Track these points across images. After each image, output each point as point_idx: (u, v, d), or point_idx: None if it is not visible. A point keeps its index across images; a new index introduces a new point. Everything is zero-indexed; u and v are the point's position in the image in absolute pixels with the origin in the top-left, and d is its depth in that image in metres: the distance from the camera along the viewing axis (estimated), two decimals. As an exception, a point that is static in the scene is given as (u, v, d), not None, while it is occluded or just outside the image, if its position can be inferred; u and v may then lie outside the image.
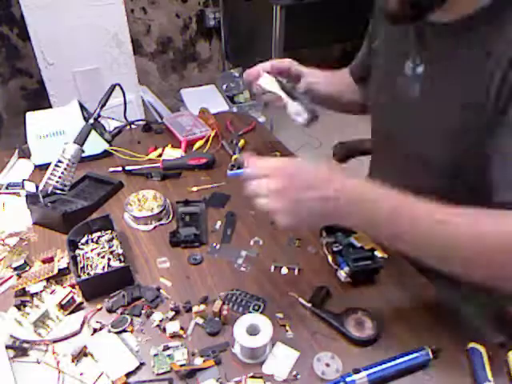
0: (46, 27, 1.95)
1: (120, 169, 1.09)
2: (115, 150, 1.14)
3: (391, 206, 0.60)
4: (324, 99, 1.08)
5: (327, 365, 0.66)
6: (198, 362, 0.66)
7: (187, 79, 3.15)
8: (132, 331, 0.72)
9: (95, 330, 0.72)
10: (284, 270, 0.82)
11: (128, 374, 0.66)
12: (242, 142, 1.19)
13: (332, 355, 0.67)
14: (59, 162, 0.98)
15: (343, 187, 0.61)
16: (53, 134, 1.10)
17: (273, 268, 0.83)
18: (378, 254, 0.77)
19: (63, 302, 0.74)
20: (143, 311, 0.75)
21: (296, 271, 0.82)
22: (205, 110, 1.34)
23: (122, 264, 0.80)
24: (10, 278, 0.82)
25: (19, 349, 0.69)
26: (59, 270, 0.80)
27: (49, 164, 0.99)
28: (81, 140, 1.02)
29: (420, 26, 0.76)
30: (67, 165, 0.98)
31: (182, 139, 1.20)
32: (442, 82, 0.75)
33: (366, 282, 0.79)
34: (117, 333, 0.71)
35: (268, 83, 0.94)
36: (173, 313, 0.74)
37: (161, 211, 0.94)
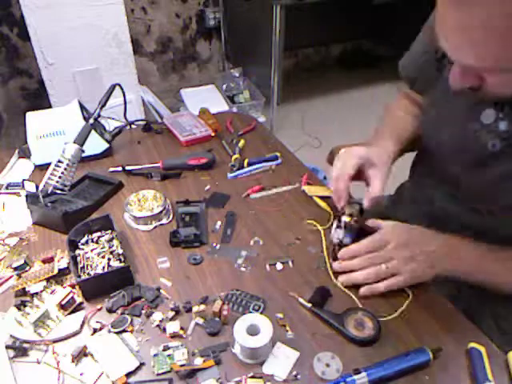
0: (46, 27, 1.95)
1: (120, 169, 1.09)
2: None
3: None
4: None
5: (327, 365, 0.66)
6: (198, 361, 0.66)
7: (187, 79, 3.15)
8: (132, 331, 0.72)
9: (95, 330, 0.72)
10: (279, 266, 0.83)
11: (128, 374, 0.66)
12: (242, 142, 1.19)
13: (332, 355, 0.67)
14: (59, 161, 0.98)
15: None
16: (53, 134, 1.10)
17: (268, 267, 0.83)
18: None
19: (63, 302, 0.74)
20: (143, 311, 0.75)
21: (290, 263, 0.82)
22: (205, 109, 1.34)
23: (122, 264, 0.80)
24: (10, 277, 0.82)
25: (19, 349, 0.69)
26: (59, 269, 0.80)
27: (49, 164, 0.99)
28: (81, 140, 1.02)
29: None
30: (67, 165, 0.98)
31: (181, 139, 1.20)
32: None
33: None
34: (117, 333, 0.71)
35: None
36: (173, 313, 0.74)
37: (161, 211, 0.94)
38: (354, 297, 0.76)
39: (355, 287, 0.78)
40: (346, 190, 0.80)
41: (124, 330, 0.72)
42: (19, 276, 0.81)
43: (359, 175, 0.83)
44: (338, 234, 0.81)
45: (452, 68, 0.63)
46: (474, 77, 0.62)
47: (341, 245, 0.81)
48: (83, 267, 0.80)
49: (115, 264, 0.81)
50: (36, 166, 1.12)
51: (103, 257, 0.82)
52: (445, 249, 0.76)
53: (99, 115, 1.10)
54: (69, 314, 0.75)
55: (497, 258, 0.77)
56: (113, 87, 1.12)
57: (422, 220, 0.85)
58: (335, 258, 0.82)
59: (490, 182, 0.77)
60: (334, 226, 0.83)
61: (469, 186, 0.82)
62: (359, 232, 0.81)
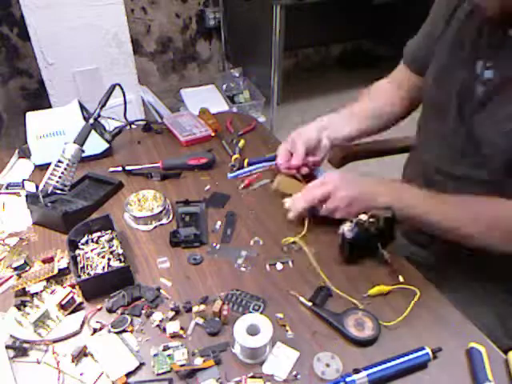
0: (46, 27, 1.95)
1: (120, 169, 1.09)
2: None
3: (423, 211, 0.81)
4: (356, 138, 1.09)
5: (327, 365, 0.66)
6: (198, 362, 0.66)
7: (187, 79, 3.15)
8: (132, 331, 0.72)
9: (95, 330, 0.72)
10: (279, 266, 0.83)
11: (128, 374, 0.66)
12: (242, 142, 1.19)
13: (332, 355, 0.67)
14: (59, 161, 0.98)
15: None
16: (53, 134, 1.10)
17: (268, 267, 0.83)
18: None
19: (63, 302, 0.74)
20: (143, 311, 0.75)
21: (290, 263, 0.83)
22: (205, 109, 1.34)
23: (122, 264, 0.80)
24: (10, 277, 0.82)
25: (19, 349, 0.69)
26: (59, 269, 0.80)
27: (49, 164, 0.99)
28: (81, 140, 1.02)
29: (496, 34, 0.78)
30: (67, 165, 0.98)
31: (181, 139, 1.20)
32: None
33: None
34: (117, 333, 0.71)
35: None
36: (173, 313, 0.74)
37: (161, 211, 0.94)
38: (354, 299, 0.76)
39: (355, 289, 0.78)
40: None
41: (124, 330, 0.72)
42: (19, 276, 0.81)
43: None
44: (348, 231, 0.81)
45: None
46: None
47: (350, 242, 0.80)
48: (83, 267, 0.80)
49: (115, 264, 0.81)
50: (36, 166, 1.12)
51: (103, 257, 0.82)
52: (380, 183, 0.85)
53: (99, 115, 1.10)
54: (69, 313, 0.75)
55: (445, 201, 0.81)
56: (113, 87, 1.12)
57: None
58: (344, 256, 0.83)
59: (481, 129, 0.82)
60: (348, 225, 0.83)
61: (467, 140, 0.85)
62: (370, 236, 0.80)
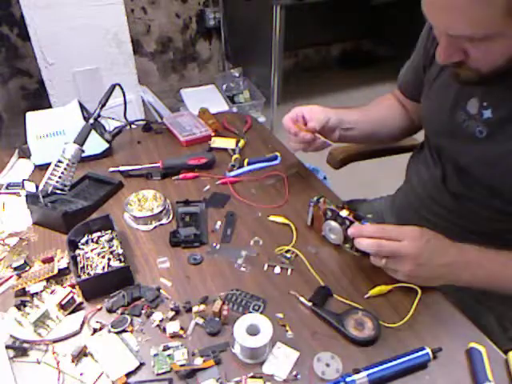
0: (46, 27, 1.95)
1: (121, 169, 1.09)
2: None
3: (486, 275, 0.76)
4: (361, 139, 1.08)
5: (327, 365, 0.66)
6: (198, 362, 0.66)
7: (187, 79, 3.15)
8: (132, 331, 0.72)
9: (95, 330, 0.72)
10: (277, 269, 0.83)
11: (128, 374, 0.66)
12: (242, 141, 1.19)
13: (332, 355, 0.67)
14: (59, 161, 0.98)
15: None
16: (53, 134, 1.10)
17: (266, 266, 0.83)
18: None
19: (63, 302, 0.74)
20: (143, 311, 0.75)
21: (289, 271, 0.82)
22: (205, 109, 1.34)
23: (122, 264, 0.80)
24: (10, 277, 0.82)
25: (19, 349, 0.69)
26: (59, 269, 0.80)
27: (49, 164, 0.99)
28: (81, 140, 1.02)
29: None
30: (67, 165, 0.98)
31: (181, 139, 1.20)
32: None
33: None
34: (117, 333, 0.71)
35: None
36: (173, 313, 0.74)
37: (161, 211, 0.94)
38: (354, 299, 0.76)
39: (356, 289, 0.78)
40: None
41: (124, 330, 0.72)
42: (19, 276, 0.81)
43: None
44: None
45: (439, 45, 0.69)
46: (458, 51, 0.68)
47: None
48: (83, 267, 0.80)
49: (115, 264, 0.81)
50: (36, 166, 1.12)
51: (103, 257, 0.82)
52: (460, 263, 0.75)
53: (99, 115, 1.10)
54: (69, 313, 0.75)
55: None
56: (113, 87, 1.12)
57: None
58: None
59: (483, 165, 0.81)
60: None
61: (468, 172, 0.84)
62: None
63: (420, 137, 1.08)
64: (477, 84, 0.75)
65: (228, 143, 1.19)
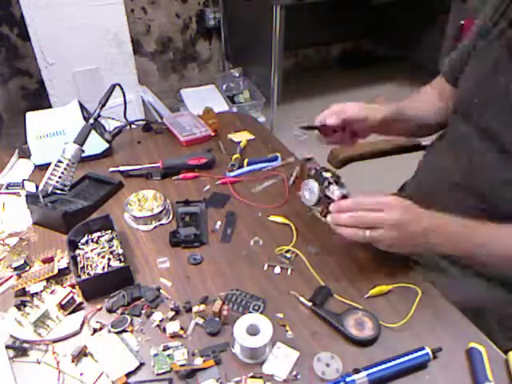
0: (45, 27, 1.95)
1: (121, 169, 1.09)
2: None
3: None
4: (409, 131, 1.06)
5: (327, 365, 0.66)
6: (198, 362, 0.66)
7: (187, 79, 3.15)
8: (132, 331, 0.72)
9: (95, 330, 0.72)
10: (277, 269, 0.83)
11: (128, 374, 0.66)
12: (244, 141, 1.19)
13: (332, 355, 0.67)
14: (59, 161, 0.98)
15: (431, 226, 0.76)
16: (53, 134, 1.10)
17: (266, 266, 0.83)
18: None
19: (63, 302, 0.74)
20: (143, 311, 0.75)
21: (289, 271, 0.82)
22: (209, 109, 1.33)
23: (122, 264, 0.80)
24: (10, 277, 0.82)
25: (19, 349, 0.69)
26: (59, 270, 0.80)
27: (49, 164, 0.99)
28: (81, 140, 1.02)
29: None
30: (67, 165, 0.98)
31: (181, 139, 1.20)
32: None
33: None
34: (117, 333, 0.71)
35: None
36: (173, 313, 0.74)
37: (161, 211, 0.94)
38: (354, 299, 0.76)
39: (356, 289, 0.78)
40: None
41: (124, 330, 0.72)
42: (19, 276, 0.81)
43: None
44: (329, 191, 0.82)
45: None
46: None
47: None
48: (83, 267, 0.80)
49: (115, 264, 0.81)
50: (36, 166, 1.12)
51: (103, 257, 0.82)
52: (433, 226, 0.76)
53: (99, 115, 1.10)
54: (69, 314, 0.75)
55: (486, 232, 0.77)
56: (113, 87, 1.12)
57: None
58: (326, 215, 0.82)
59: None
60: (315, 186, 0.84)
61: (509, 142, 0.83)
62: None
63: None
64: None
65: (244, 135, 1.24)
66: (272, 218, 0.94)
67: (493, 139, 0.84)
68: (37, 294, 0.77)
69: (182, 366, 0.66)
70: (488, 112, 0.86)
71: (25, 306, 0.75)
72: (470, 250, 0.77)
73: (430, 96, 1.08)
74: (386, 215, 0.73)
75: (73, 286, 0.78)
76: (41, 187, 0.97)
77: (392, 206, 0.74)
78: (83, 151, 1.02)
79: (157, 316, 0.73)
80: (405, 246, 0.76)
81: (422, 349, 0.66)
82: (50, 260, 0.84)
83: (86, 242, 0.86)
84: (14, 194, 1.03)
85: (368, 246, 0.85)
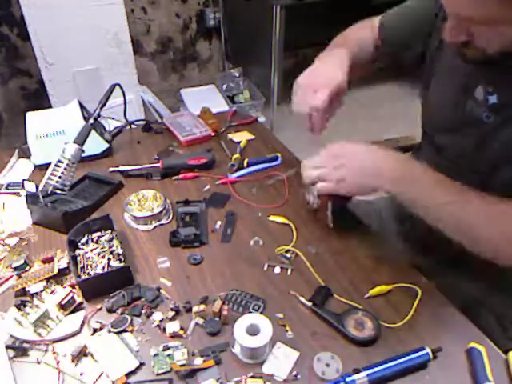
0: (45, 27, 1.95)
1: (121, 169, 1.09)
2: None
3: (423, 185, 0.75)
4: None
5: (327, 365, 0.66)
6: (198, 362, 0.66)
7: (187, 79, 3.15)
8: (132, 331, 0.72)
9: (95, 330, 0.72)
10: (277, 269, 0.83)
11: (128, 374, 0.66)
12: (244, 141, 1.19)
13: (332, 355, 0.67)
14: (59, 162, 0.98)
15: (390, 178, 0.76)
16: (53, 134, 1.10)
17: (266, 266, 0.83)
18: None
19: (63, 302, 0.74)
20: (143, 311, 0.75)
21: (289, 271, 0.82)
22: (206, 109, 1.34)
23: (122, 264, 0.80)
24: (10, 277, 0.82)
25: (19, 349, 0.69)
26: (59, 269, 0.80)
27: (49, 164, 0.99)
28: (81, 140, 1.02)
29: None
30: (67, 165, 0.98)
31: (181, 139, 1.20)
32: None
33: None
34: (117, 333, 0.71)
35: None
36: (173, 313, 0.74)
37: (161, 211, 0.94)
38: (354, 299, 0.76)
39: (356, 289, 0.78)
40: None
41: (124, 330, 0.72)
42: (19, 276, 0.81)
43: None
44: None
45: (447, 24, 0.71)
46: (464, 32, 0.69)
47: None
48: (83, 267, 0.80)
49: (115, 264, 0.81)
50: (36, 166, 1.12)
51: (103, 257, 0.82)
52: (388, 168, 0.77)
53: (99, 115, 1.10)
54: (69, 314, 0.75)
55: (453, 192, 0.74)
56: (113, 87, 1.12)
57: None
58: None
59: (490, 155, 0.80)
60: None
61: (472, 162, 0.84)
62: None
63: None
64: (483, 63, 0.75)
65: (245, 135, 1.24)
66: (272, 218, 0.94)
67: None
68: (37, 293, 0.77)
69: (182, 366, 0.66)
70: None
71: (25, 306, 0.75)
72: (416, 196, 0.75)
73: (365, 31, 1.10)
74: (324, 153, 0.82)
75: (73, 286, 0.78)
76: (41, 187, 0.97)
77: (333, 146, 0.82)
78: (83, 151, 1.02)
79: (157, 316, 0.73)
80: (354, 177, 0.78)
81: (422, 349, 0.66)
82: (49, 260, 0.84)
83: (86, 242, 0.86)
84: (14, 193, 1.04)
85: (368, 246, 0.86)
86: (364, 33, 1.09)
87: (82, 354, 0.68)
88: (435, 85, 0.92)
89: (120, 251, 0.82)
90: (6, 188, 1.05)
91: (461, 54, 0.77)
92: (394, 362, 0.64)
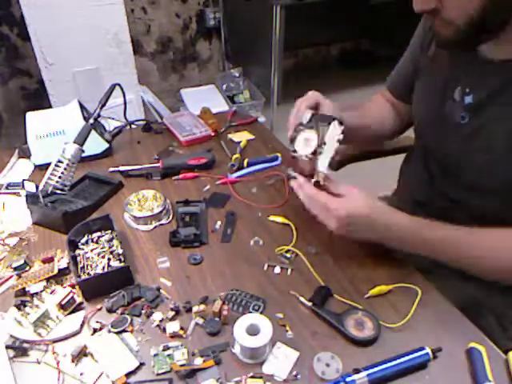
0: (45, 27, 1.95)
1: (121, 169, 1.09)
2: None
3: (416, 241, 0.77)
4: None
5: (327, 365, 0.66)
6: (198, 362, 0.66)
7: (187, 79, 3.15)
8: (132, 331, 0.72)
9: (95, 330, 0.72)
10: (277, 269, 0.83)
11: (128, 374, 0.66)
12: (244, 141, 1.19)
13: (332, 355, 0.67)
14: (59, 161, 0.98)
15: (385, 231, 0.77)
16: (53, 134, 1.10)
17: (266, 266, 0.83)
18: None
19: (63, 302, 0.74)
20: (143, 311, 0.75)
21: (289, 271, 0.82)
22: (206, 109, 1.34)
23: (122, 264, 0.80)
24: (10, 277, 0.82)
25: (19, 349, 0.69)
26: (59, 269, 0.80)
27: (49, 164, 0.99)
28: (81, 140, 1.02)
29: (470, 58, 0.79)
30: (67, 165, 0.98)
31: (181, 139, 1.20)
32: (490, 119, 0.77)
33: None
34: (117, 333, 0.71)
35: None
36: (173, 313, 0.74)
37: (161, 211, 0.94)
38: (354, 299, 0.76)
39: (356, 289, 0.78)
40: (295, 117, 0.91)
41: (124, 330, 0.72)
42: (19, 276, 0.81)
43: None
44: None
45: None
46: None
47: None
48: (83, 267, 0.80)
49: (115, 264, 0.81)
50: (36, 166, 1.12)
51: (103, 257, 0.82)
52: (387, 239, 0.79)
53: (99, 115, 1.10)
54: (69, 314, 0.75)
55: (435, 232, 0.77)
56: (113, 87, 1.12)
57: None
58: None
59: (466, 154, 0.82)
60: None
61: (457, 167, 0.85)
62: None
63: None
64: (456, 46, 0.76)
65: (245, 135, 1.24)
66: (272, 218, 0.94)
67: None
68: (37, 294, 0.77)
69: (182, 366, 0.66)
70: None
71: (25, 306, 0.75)
72: (419, 246, 0.77)
73: (382, 108, 1.10)
74: (333, 203, 0.76)
75: (73, 286, 0.78)
76: (41, 187, 0.97)
77: (348, 195, 0.77)
78: (83, 151, 1.02)
79: (157, 316, 0.73)
80: (354, 238, 0.79)
81: (422, 349, 0.66)
82: (50, 260, 0.84)
83: (86, 242, 0.86)
84: (14, 193, 1.04)
85: (368, 246, 0.86)
86: (382, 110, 1.11)
87: (82, 353, 0.68)
88: (418, 87, 0.94)
89: (120, 251, 0.82)
90: (6, 188, 1.05)
91: (436, 36, 0.78)
92: (394, 362, 0.64)
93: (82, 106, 1.15)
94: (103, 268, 0.80)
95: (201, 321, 0.72)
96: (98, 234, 0.87)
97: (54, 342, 0.71)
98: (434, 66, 0.89)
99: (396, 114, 1.10)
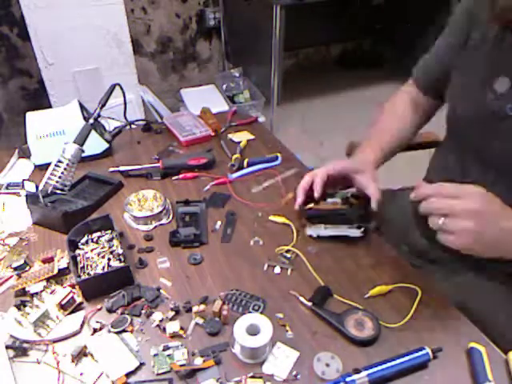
0: (45, 27, 1.95)
1: (121, 169, 1.09)
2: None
3: None
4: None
5: (327, 365, 0.66)
6: (198, 362, 0.66)
7: (187, 79, 3.15)
8: (132, 331, 0.72)
9: (95, 330, 0.72)
10: (277, 269, 0.83)
11: (128, 374, 0.66)
12: (244, 141, 1.19)
13: (332, 355, 0.67)
14: (59, 162, 0.98)
15: None
16: (53, 134, 1.10)
17: (266, 266, 0.83)
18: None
19: (63, 302, 0.74)
20: (143, 311, 0.75)
21: (289, 271, 0.82)
22: (206, 109, 1.34)
23: (122, 264, 0.80)
24: (10, 277, 0.82)
25: (19, 349, 0.69)
26: (59, 269, 0.80)
27: (49, 164, 0.99)
28: (81, 140, 1.02)
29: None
30: (67, 165, 0.98)
31: (181, 139, 1.20)
32: None
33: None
34: (117, 333, 0.71)
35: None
36: (173, 313, 0.74)
37: (161, 211, 0.94)
38: (354, 299, 0.76)
39: (356, 289, 0.78)
40: (319, 183, 0.86)
41: (124, 330, 0.72)
42: (19, 276, 0.81)
43: (344, 182, 0.91)
44: None
45: None
46: None
47: None
48: (83, 267, 0.80)
49: (115, 264, 0.81)
50: (36, 166, 1.12)
51: (103, 257, 0.82)
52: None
53: (99, 115, 1.10)
54: (69, 313, 0.75)
55: None
56: (113, 87, 1.12)
57: None
58: None
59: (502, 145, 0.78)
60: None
61: (496, 157, 0.82)
62: None
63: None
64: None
65: (245, 135, 1.24)
66: (272, 218, 0.94)
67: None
68: (37, 293, 0.77)
69: (182, 366, 0.66)
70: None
71: (25, 306, 0.75)
72: None
73: (405, 110, 1.05)
74: (463, 203, 0.64)
75: (73, 286, 0.78)
76: (41, 187, 0.97)
77: (471, 193, 0.66)
78: (83, 151, 1.02)
79: (157, 316, 0.73)
80: (480, 243, 0.65)
81: (422, 349, 0.66)
82: (50, 260, 0.84)
83: (86, 242, 0.85)
84: (14, 193, 1.04)
85: (368, 246, 0.86)
86: (401, 120, 1.05)
87: (81, 354, 0.68)
88: (456, 80, 0.90)
89: (120, 251, 0.82)
90: (6, 188, 1.05)
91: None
92: (394, 362, 0.64)
93: (82, 106, 1.15)
94: (103, 268, 0.80)
95: (201, 321, 0.72)
96: (98, 233, 0.87)
97: (54, 341, 0.71)
98: (476, 55, 0.84)
99: (416, 114, 1.05)
